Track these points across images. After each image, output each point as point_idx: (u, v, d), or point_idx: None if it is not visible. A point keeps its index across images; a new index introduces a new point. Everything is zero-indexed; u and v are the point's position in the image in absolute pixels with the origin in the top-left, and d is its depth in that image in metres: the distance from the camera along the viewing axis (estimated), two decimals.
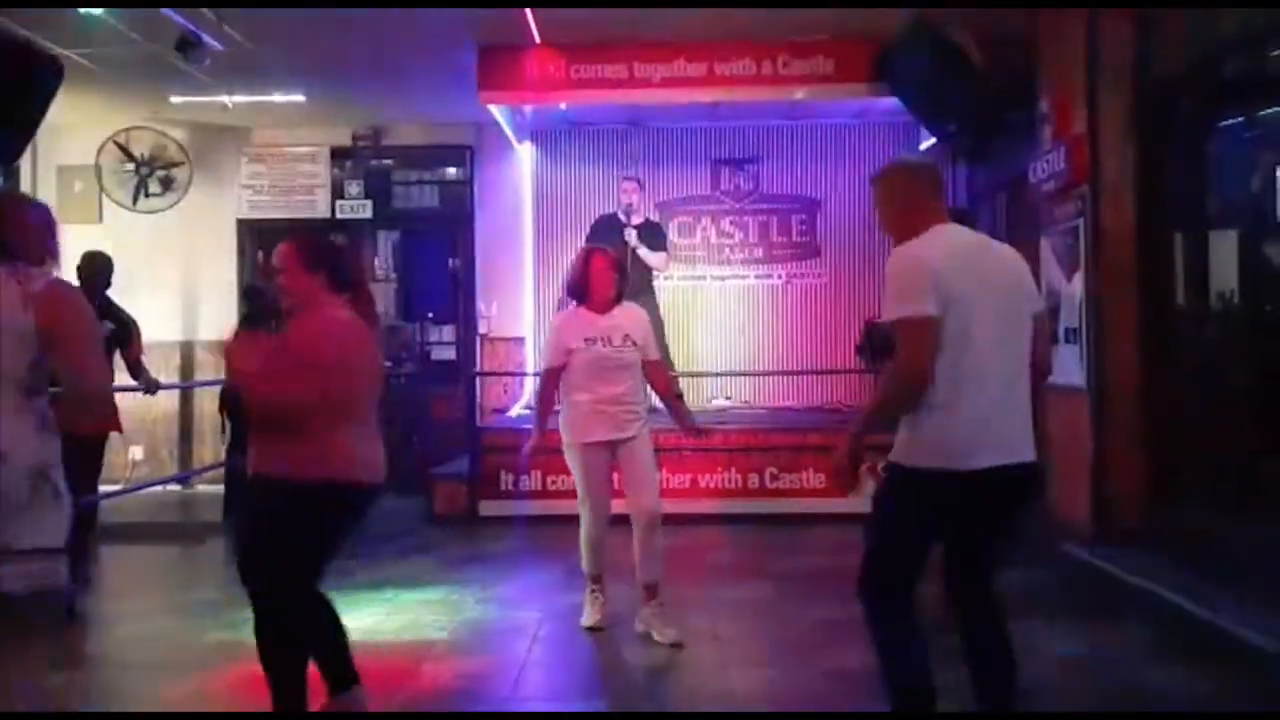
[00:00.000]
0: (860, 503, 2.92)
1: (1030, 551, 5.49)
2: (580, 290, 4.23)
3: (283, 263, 2.99)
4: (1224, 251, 4.79)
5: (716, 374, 8.51)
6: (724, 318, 8.78)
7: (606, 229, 7.26)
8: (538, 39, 6.61)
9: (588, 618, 4.29)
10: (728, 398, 8.48)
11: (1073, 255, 5.55)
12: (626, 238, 7.08)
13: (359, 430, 2.95)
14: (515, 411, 8.25)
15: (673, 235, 8.47)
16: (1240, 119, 4.69)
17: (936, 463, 2.60)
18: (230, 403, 6.60)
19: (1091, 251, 5.40)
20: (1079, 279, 5.49)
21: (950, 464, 2.59)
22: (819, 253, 8.68)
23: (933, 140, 7.38)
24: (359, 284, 3.11)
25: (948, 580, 2.81)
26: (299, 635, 2.95)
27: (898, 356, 2.60)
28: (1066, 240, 5.63)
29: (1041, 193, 5.89)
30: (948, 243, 2.69)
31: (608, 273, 4.22)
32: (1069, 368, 5.62)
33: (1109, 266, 5.37)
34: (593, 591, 4.33)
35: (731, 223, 8.81)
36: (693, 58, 6.79)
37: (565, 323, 4.28)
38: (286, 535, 2.89)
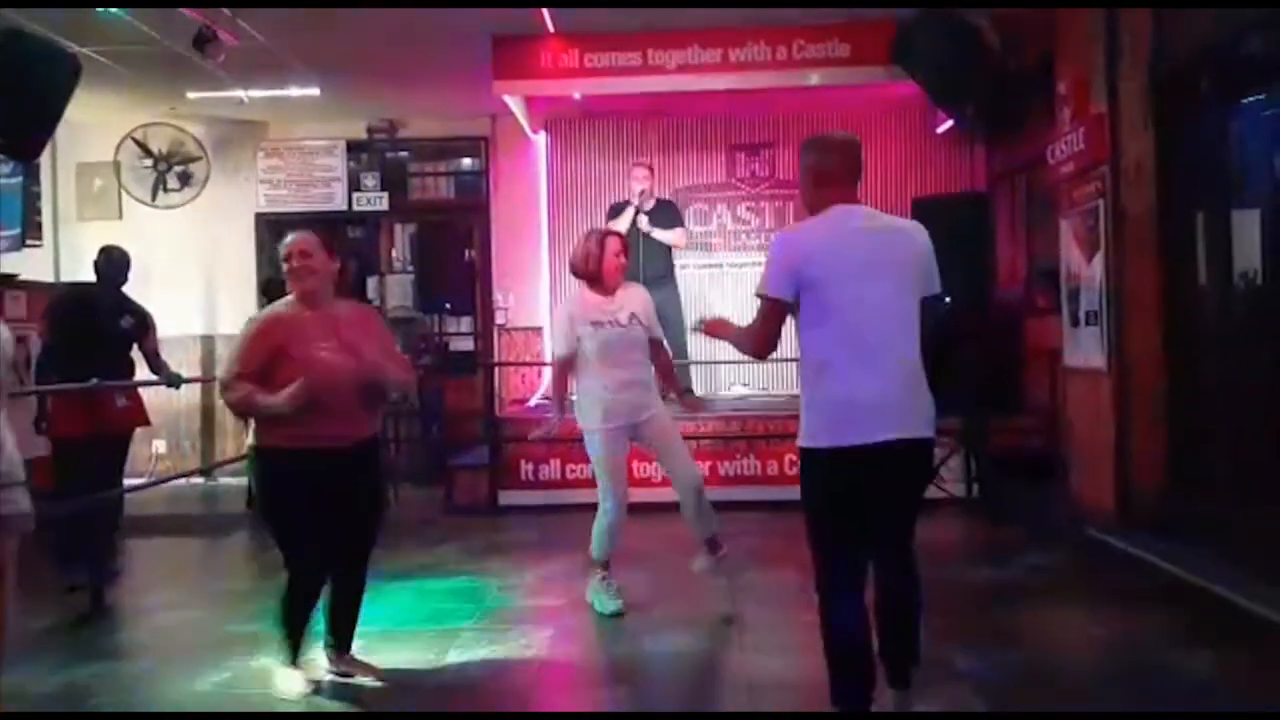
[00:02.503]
0: None
1: (1053, 535, 5.48)
2: (594, 271, 4.23)
3: (310, 248, 3.33)
4: (1247, 231, 4.73)
5: (734, 361, 8.48)
6: (741, 304, 8.74)
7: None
8: (551, 29, 6.60)
9: (608, 605, 4.30)
10: (745, 385, 8.47)
11: (1093, 236, 5.51)
12: (639, 223, 7.10)
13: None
14: (534, 401, 8.27)
15: (689, 222, 8.41)
16: (1262, 96, 4.62)
17: (830, 440, 2.68)
18: None
19: (1112, 232, 5.35)
20: (1099, 260, 5.45)
21: (842, 440, 2.66)
22: None
23: (950, 123, 7.33)
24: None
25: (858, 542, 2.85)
26: (296, 591, 3.37)
27: (752, 323, 2.88)
28: (1086, 222, 5.59)
29: (1061, 174, 5.85)
30: (835, 225, 2.77)
31: (621, 256, 4.25)
32: (1090, 350, 5.59)
33: (1130, 247, 5.33)
34: (604, 578, 4.35)
35: (748, 209, 8.78)
36: (707, 44, 6.77)
37: (573, 308, 4.29)
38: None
